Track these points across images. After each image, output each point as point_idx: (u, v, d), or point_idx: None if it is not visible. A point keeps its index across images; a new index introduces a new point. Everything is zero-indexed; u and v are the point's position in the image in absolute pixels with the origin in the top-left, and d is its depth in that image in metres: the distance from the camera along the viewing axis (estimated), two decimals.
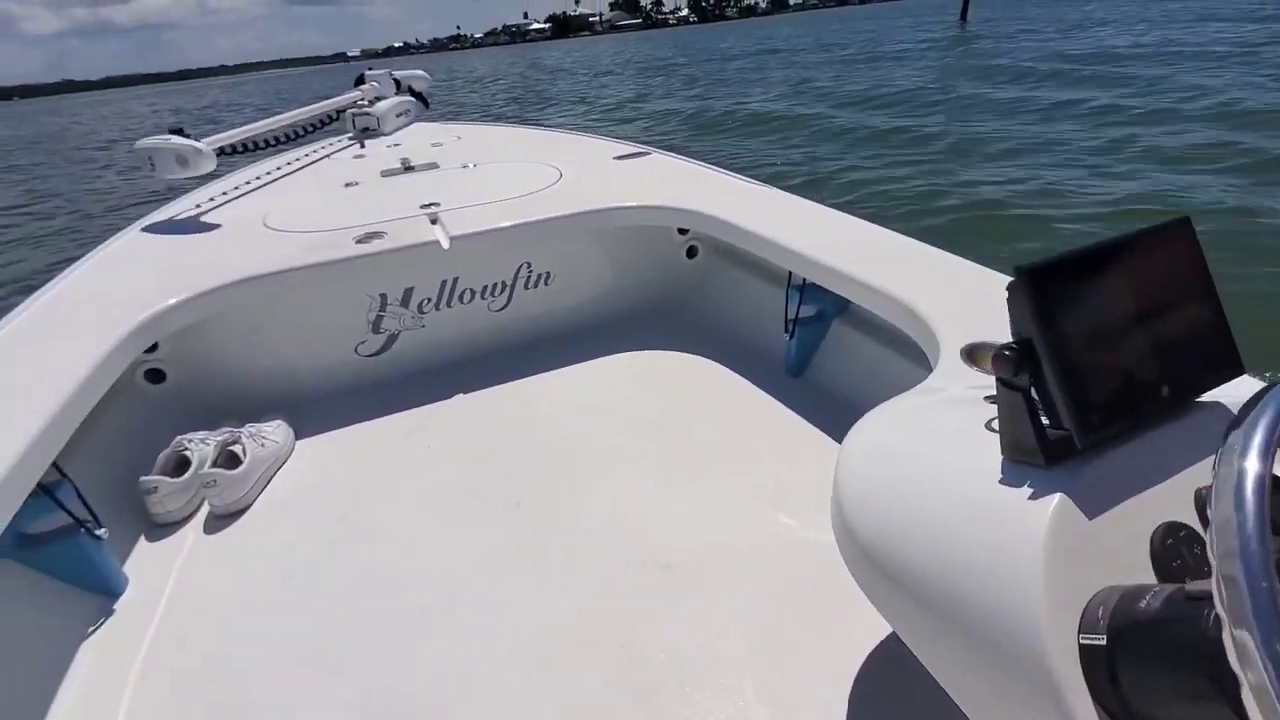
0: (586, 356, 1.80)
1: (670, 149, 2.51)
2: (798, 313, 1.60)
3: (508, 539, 1.22)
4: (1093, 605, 0.51)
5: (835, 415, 1.45)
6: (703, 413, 1.56)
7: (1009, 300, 0.56)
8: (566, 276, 1.94)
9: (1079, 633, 0.51)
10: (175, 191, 2.29)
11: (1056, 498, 0.54)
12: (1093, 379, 0.56)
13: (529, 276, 1.90)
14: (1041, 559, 0.52)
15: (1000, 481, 0.58)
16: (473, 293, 1.84)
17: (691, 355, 1.78)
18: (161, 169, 2.05)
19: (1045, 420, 0.57)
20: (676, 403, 1.60)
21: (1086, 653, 0.50)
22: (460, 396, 1.67)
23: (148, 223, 2.00)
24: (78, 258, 1.76)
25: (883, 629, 0.96)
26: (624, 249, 2.00)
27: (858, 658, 0.95)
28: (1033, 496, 0.55)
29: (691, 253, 2.08)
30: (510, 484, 1.35)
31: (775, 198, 1.89)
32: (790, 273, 1.58)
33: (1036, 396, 0.56)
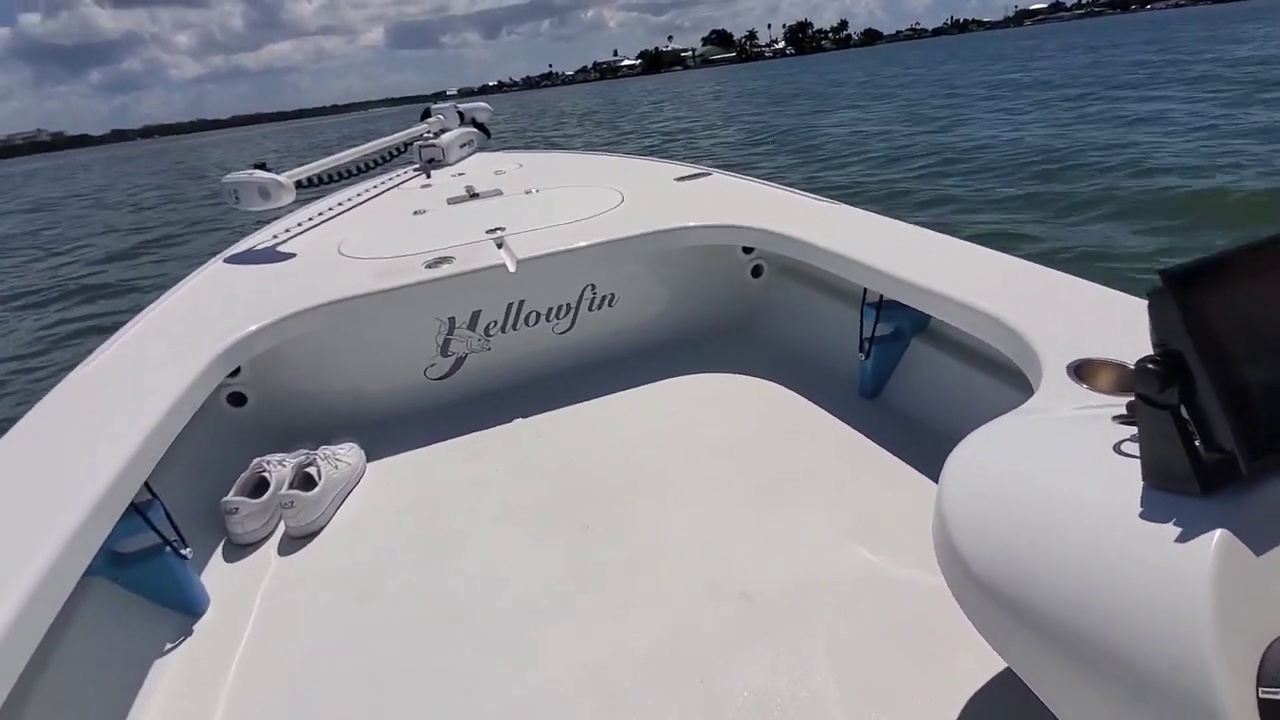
0: (652, 379, 1.77)
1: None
2: (874, 331, 1.52)
3: (578, 564, 1.20)
4: (1272, 654, 0.45)
5: (916, 440, 1.37)
6: (773, 437, 1.50)
7: (1151, 308, 0.50)
8: (630, 298, 1.93)
9: (1258, 686, 0.45)
10: (254, 224, 2.38)
11: (1219, 531, 0.48)
12: (1258, 394, 0.49)
13: (593, 298, 1.90)
14: (1209, 600, 0.46)
15: (1144, 513, 0.52)
16: (538, 315, 1.85)
17: (759, 378, 1.73)
18: (245, 201, 2.12)
19: (1198, 443, 0.50)
20: (746, 426, 1.55)
21: (1268, 709, 0.44)
22: (527, 419, 1.67)
23: (229, 254, 2.07)
24: (167, 287, 1.84)
25: (990, 669, 0.89)
26: (687, 269, 1.97)
27: (962, 699, 0.88)
28: (1189, 529, 0.49)
29: (757, 272, 2.03)
30: (579, 508, 1.33)
31: (843, 213, 1.83)
32: (865, 290, 1.51)
33: (1187, 415, 0.50)
